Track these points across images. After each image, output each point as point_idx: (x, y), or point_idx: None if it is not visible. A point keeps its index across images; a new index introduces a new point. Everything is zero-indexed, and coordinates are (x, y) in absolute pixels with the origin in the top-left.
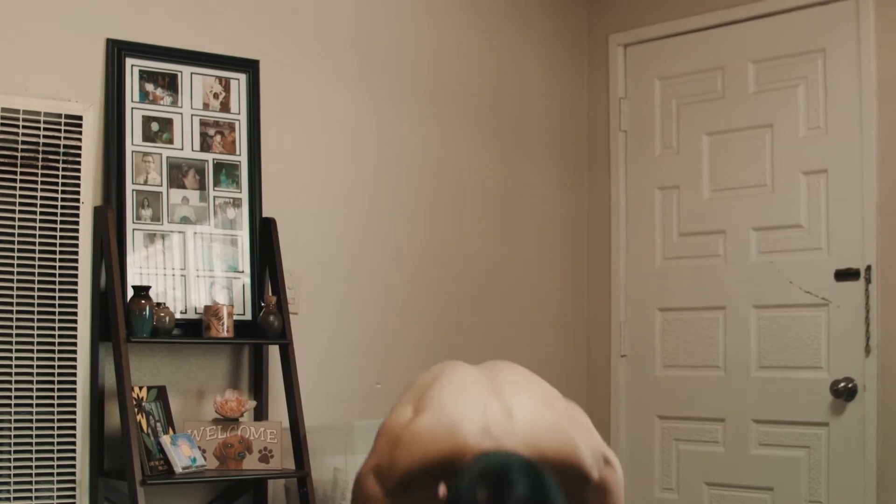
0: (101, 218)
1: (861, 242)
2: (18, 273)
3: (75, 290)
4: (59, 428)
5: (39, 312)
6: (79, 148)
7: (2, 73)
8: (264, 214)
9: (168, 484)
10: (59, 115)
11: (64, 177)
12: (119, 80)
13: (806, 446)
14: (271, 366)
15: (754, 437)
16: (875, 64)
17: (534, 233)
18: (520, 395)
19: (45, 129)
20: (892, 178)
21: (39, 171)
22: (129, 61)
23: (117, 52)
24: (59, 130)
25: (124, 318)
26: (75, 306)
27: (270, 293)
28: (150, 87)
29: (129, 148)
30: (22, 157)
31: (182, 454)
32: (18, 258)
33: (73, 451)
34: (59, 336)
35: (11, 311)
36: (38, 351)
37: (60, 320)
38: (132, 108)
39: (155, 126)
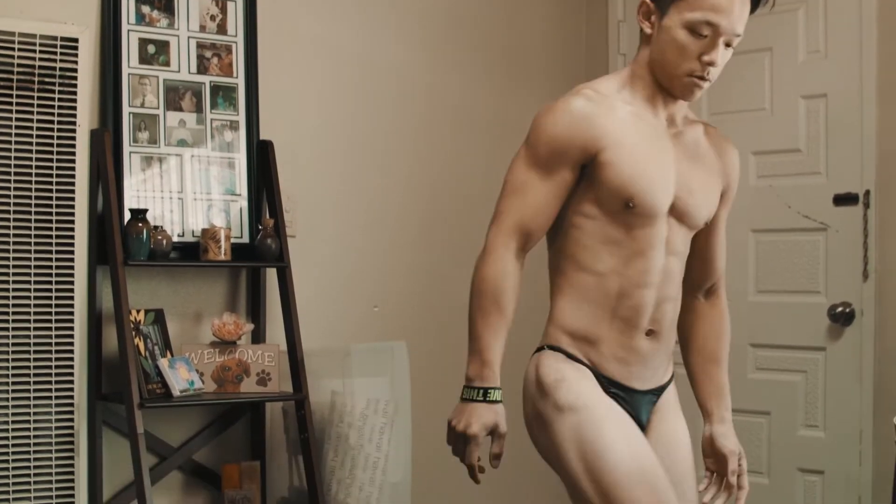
0: (98, 141)
1: (860, 167)
2: (15, 197)
3: (72, 214)
4: (56, 351)
5: (36, 236)
6: (75, 71)
7: None
8: (261, 137)
9: (166, 407)
10: (55, 38)
11: (60, 100)
12: (115, 3)
13: (803, 371)
14: (269, 289)
15: (751, 361)
16: None
17: None
18: None
19: (40, 51)
20: (892, 103)
21: (35, 95)
22: None
23: None
24: (56, 53)
25: (121, 241)
26: (72, 230)
27: (268, 216)
28: (146, 9)
29: (125, 70)
30: (18, 80)
31: (180, 377)
32: (15, 182)
33: (71, 374)
34: (57, 259)
35: (8, 236)
36: (36, 275)
37: (57, 244)
38: (128, 31)
39: (151, 48)
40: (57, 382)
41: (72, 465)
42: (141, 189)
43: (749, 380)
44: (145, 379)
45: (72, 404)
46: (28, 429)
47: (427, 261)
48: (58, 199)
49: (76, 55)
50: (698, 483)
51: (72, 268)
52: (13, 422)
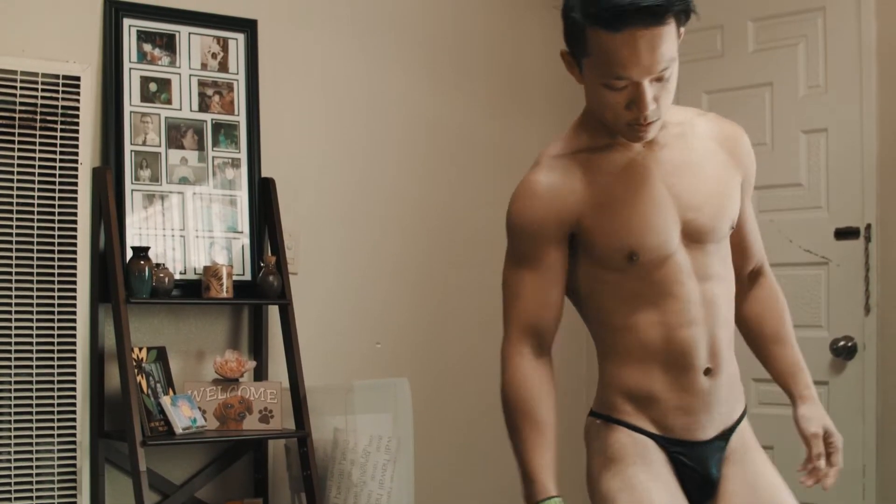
0: (100, 179)
1: (861, 201)
2: (17, 235)
3: (74, 252)
4: (59, 389)
5: (38, 274)
6: (77, 109)
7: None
8: (263, 174)
9: (168, 445)
10: (57, 76)
11: (62, 138)
12: (117, 41)
13: None
14: (271, 326)
15: (754, 395)
16: (875, 22)
17: None
18: None
19: (42, 90)
20: (892, 136)
21: (38, 133)
22: (126, 21)
23: (115, 12)
24: (57, 91)
25: (123, 279)
26: (74, 268)
27: (270, 253)
28: (147, 47)
29: (127, 108)
30: (20, 119)
31: (182, 415)
32: (17, 220)
33: (74, 412)
34: (59, 297)
35: (11, 274)
36: (38, 313)
37: (59, 282)
38: (130, 69)
39: (153, 86)
40: (59, 420)
41: (74, 503)
42: (143, 227)
43: (752, 414)
44: (148, 417)
45: (74, 442)
46: (31, 466)
47: (429, 297)
48: (60, 236)
49: (78, 93)
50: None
51: (74, 306)
52: (15, 459)
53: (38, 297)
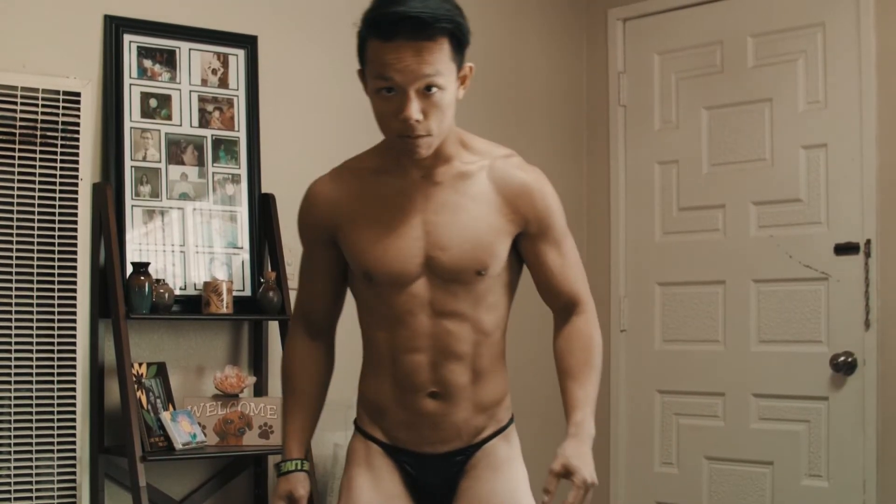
0: (100, 195)
1: (860, 216)
2: (17, 250)
3: (74, 268)
4: (59, 405)
5: (38, 290)
6: (77, 125)
7: (0, 50)
8: (263, 190)
9: (168, 460)
10: (58, 92)
11: (62, 154)
12: (117, 57)
13: (806, 420)
14: (271, 342)
15: (754, 411)
16: (874, 38)
17: None
18: None
19: (43, 105)
20: (892, 152)
21: (38, 148)
22: (126, 37)
23: (115, 28)
24: (58, 107)
25: (123, 294)
26: (74, 283)
27: (270, 269)
28: (148, 63)
29: (127, 124)
30: (20, 134)
31: (182, 430)
32: (17, 235)
33: (74, 427)
34: (59, 313)
35: (11, 289)
36: (38, 328)
37: (60, 297)
38: (130, 85)
39: (153, 102)
40: (59, 436)
41: None
42: (143, 242)
43: (752, 430)
44: (147, 432)
45: (74, 457)
46: (31, 482)
47: None
48: (60, 252)
49: (78, 109)
50: None
51: (74, 321)
52: (15, 475)
53: (38, 312)
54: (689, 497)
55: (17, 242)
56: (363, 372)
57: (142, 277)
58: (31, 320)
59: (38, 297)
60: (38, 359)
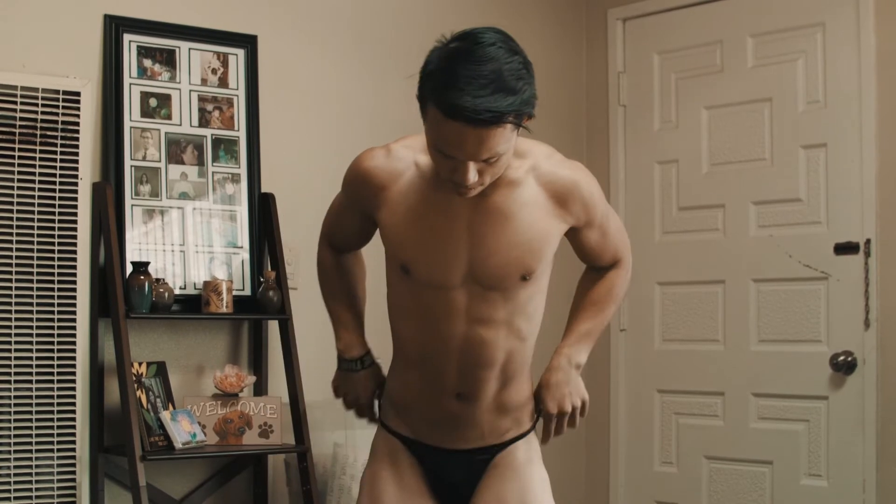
0: (100, 194)
1: (860, 216)
2: (17, 250)
3: (74, 267)
4: (58, 404)
5: (38, 289)
6: (77, 124)
7: (0, 50)
8: (263, 190)
9: (168, 459)
10: (57, 92)
11: (62, 153)
12: (117, 56)
13: (805, 420)
14: (271, 341)
15: (754, 410)
16: (874, 38)
17: None
18: None
19: (43, 105)
20: (891, 151)
21: (38, 148)
22: (126, 37)
23: (115, 27)
24: (57, 107)
25: (123, 294)
26: (74, 282)
27: (270, 268)
28: (147, 62)
29: (127, 124)
30: (20, 134)
31: (182, 430)
32: (17, 234)
33: (73, 426)
34: (59, 312)
35: (10, 289)
36: (38, 327)
37: (59, 297)
38: (130, 84)
39: (153, 102)
40: (59, 435)
41: None
42: (143, 242)
43: (751, 429)
44: (147, 431)
45: (74, 457)
46: (30, 481)
47: None
48: (60, 251)
49: (78, 108)
50: None
51: (73, 320)
52: (15, 474)
53: (37, 311)
54: (689, 496)
55: (17, 242)
56: (391, 367)
57: (141, 277)
58: (31, 319)
59: (37, 296)
60: (37, 358)
